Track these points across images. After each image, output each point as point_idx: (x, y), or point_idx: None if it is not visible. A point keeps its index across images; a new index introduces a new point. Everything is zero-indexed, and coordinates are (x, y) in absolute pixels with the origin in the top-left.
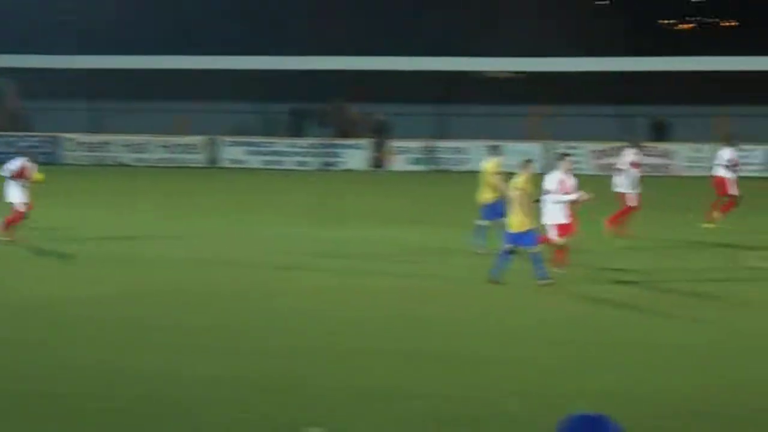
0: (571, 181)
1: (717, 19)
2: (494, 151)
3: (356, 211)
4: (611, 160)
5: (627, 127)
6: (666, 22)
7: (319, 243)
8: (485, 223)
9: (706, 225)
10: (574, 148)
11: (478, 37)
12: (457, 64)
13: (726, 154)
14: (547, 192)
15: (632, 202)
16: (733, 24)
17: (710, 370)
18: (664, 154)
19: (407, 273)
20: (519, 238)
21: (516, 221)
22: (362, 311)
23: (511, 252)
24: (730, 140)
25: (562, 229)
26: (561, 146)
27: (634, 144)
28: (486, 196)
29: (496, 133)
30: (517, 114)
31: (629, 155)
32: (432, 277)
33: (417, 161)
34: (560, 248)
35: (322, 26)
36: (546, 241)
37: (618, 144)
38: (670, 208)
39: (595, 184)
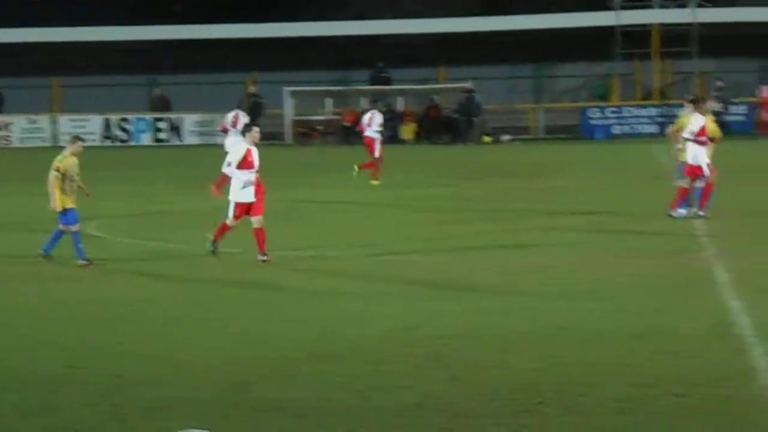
0: (256, 154)
1: None
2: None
3: None
4: None
5: None
6: None
7: None
8: None
9: (373, 182)
10: None
11: None
12: None
13: (378, 118)
14: (229, 164)
15: None
16: None
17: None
18: (2, 127)
19: None
20: (62, 217)
21: (58, 200)
22: None
23: (63, 232)
24: (374, 103)
25: (245, 208)
26: None
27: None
28: None
29: None
30: None
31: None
32: None
33: None
34: (258, 233)
35: None
36: (224, 228)
37: None
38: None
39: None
